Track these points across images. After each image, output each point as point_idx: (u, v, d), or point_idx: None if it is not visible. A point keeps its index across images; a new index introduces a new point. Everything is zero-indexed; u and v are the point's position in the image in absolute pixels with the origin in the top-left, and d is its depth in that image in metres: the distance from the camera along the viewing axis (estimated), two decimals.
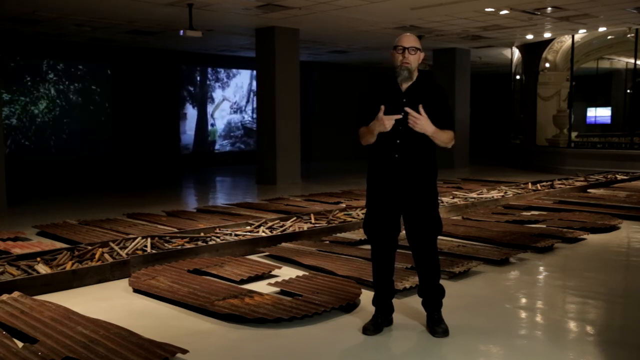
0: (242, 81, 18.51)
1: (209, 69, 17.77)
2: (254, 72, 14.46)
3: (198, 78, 17.63)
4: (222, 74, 18.08)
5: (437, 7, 10.48)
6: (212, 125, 17.99)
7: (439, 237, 3.90)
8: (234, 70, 18.21)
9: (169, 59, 16.41)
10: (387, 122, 3.58)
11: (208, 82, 17.87)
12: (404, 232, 3.87)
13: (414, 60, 3.68)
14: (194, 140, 17.59)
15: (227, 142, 18.40)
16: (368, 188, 3.83)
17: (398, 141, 3.67)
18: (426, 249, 3.75)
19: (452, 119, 3.77)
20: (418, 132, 3.62)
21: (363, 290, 4.53)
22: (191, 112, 17.48)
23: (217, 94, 18.04)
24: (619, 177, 12.35)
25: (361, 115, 3.79)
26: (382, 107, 3.59)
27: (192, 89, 17.46)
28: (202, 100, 17.73)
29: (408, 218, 3.74)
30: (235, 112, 18.50)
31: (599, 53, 17.22)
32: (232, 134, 18.46)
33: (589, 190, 10.60)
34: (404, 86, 3.71)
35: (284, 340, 3.75)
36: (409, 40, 3.70)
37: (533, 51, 15.73)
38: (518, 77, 17.36)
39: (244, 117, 18.68)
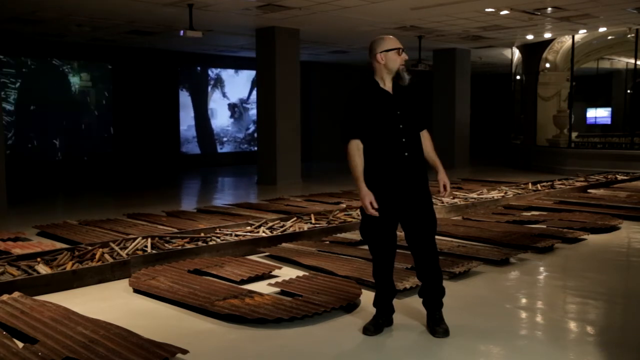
0: (244, 83, 18.51)
1: (211, 70, 17.76)
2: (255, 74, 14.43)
3: (198, 78, 17.62)
4: (225, 75, 18.06)
5: (437, 7, 10.48)
6: (216, 133, 17.98)
7: (439, 237, 3.90)
8: (237, 72, 18.20)
9: (170, 59, 16.41)
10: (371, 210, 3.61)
11: (209, 83, 17.86)
12: (401, 232, 3.85)
13: None
14: (196, 140, 17.59)
15: (231, 147, 18.41)
16: (371, 192, 3.68)
17: (404, 140, 3.68)
18: (429, 248, 3.75)
19: (429, 117, 3.86)
20: (416, 129, 3.75)
21: (363, 291, 4.53)
22: (191, 112, 17.47)
23: (218, 94, 18.04)
24: (619, 177, 12.34)
25: (352, 126, 3.68)
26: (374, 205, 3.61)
27: (193, 89, 17.45)
28: (202, 100, 17.72)
29: (410, 218, 3.73)
30: (239, 115, 18.50)
31: (599, 53, 17.21)
32: (237, 141, 18.50)
33: (589, 191, 10.59)
34: (389, 87, 3.74)
35: (284, 341, 3.75)
36: (399, 41, 3.77)
37: (533, 51, 15.73)
38: (518, 77, 17.36)
39: (248, 128, 18.66)
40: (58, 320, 3.86)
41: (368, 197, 3.61)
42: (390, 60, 3.69)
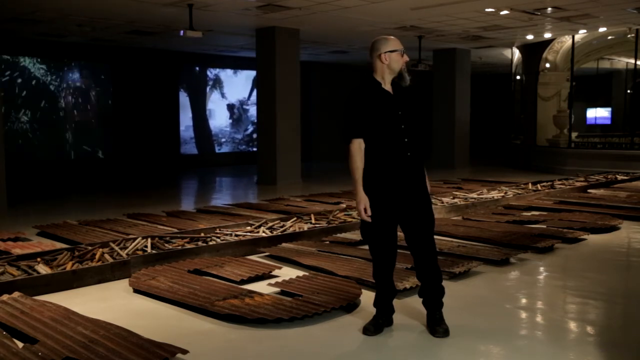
0: (243, 84, 18.51)
1: (210, 70, 17.76)
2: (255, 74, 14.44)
3: (198, 78, 17.62)
4: (224, 76, 18.05)
5: (437, 7, 10.48)
6: (214, 134, 17.98)
7: (439, 237, 3.90)
8: (236, 73, 18.20)
9: (169, 59, 16.41)
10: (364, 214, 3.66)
11: (207, 83, 17.86)
12: (400, 232, 3.85)
13: None
14: (194, 141, 17.59)
15: (229, 147, 18.41)
16: (372, 193, 3.67)
17: (406, 140, 3.70)
18: (428, 248, 3.76)
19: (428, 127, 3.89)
20: (416, 129, 3.76)
21: (363, 291, 4.53)
22: (191, 113, 17.47)
23: (217, 95, 18.04)
24: (619, 177, 12.34)
25: (355, 125, 3.66)
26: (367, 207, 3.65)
27: (192, 89, 17.45)
28: (201, 101, 17.71)
29: (410, 218, 3.73)
30: (238, 117, 18.51)
31: (599, 53, 17.21)
32: (235, 142, 18.51)
33: (589, 191, 10.60)
34: (389, 87, 3.76)
35: (284, 341, 3.75)
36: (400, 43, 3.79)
37: (533, 51, 15.73)
38: (518, 77, 17.36)
39: (246, 129, 18.66)
40: (58, 320, 3.86)
41: (363, 203, 3.65)
42: (394, 61, 3.72)
